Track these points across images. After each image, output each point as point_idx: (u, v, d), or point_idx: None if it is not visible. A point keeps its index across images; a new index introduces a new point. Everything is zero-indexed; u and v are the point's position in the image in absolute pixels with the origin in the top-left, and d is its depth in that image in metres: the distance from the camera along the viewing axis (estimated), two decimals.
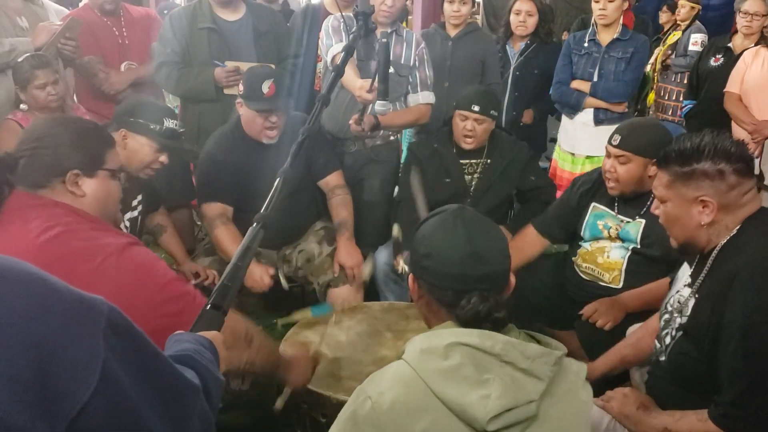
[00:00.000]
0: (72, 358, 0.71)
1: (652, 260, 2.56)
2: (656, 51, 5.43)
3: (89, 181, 1.73)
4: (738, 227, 1.72)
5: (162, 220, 3.00)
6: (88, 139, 1.77)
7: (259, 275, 2.76)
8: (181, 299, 1.66)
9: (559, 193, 3.88)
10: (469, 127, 3.11)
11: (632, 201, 2.62)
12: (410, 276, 1.45)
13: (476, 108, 3.08)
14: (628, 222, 2.62)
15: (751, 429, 1.63)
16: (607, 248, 2.67)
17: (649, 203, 2.52)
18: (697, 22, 5.46)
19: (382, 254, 3.25)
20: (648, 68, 5.18)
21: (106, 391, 0.73)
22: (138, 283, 1.61)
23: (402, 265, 2.98)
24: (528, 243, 2.91)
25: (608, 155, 2.59)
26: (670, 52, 5.48)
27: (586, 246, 2.74)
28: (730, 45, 4.55)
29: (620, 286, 2.62)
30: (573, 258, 2.80)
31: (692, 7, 5.51)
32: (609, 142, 2.60)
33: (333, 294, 2.94)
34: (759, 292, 1.61)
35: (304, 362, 2.07)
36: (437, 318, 1.39)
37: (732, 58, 4.43)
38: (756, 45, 4.31)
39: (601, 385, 2.02)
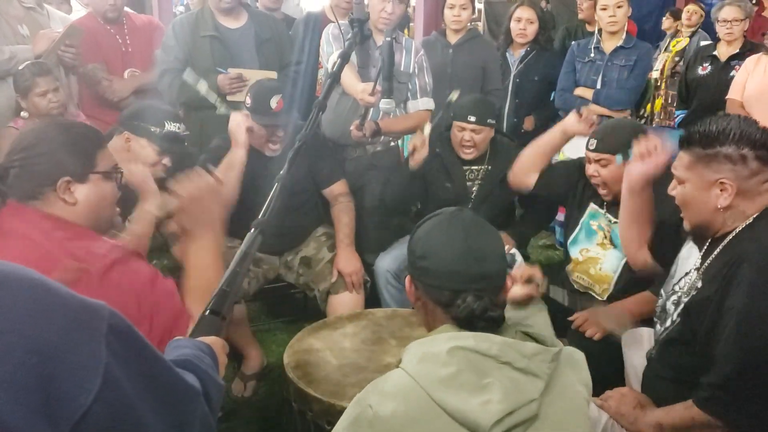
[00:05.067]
0: (74, 363, 0.71)
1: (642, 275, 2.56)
2: (662, 58, 5.42)
3: (81, 188, 1.68)
4: (756, 215, 1.72)
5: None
6: (76, 143, 1.72)
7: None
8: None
9: None
10: (467, 137, 3.11)
11: (618, 202, 2.63)
12: (407, 278, 1.45)
13: (472, 118, 3.08)
14: (616, 223, 2.62)
15: (733, 413, 1.63)
16: (600, 259, 2.68)
17: None
18: (701, 31, 5.47)
19: (384, 260, 3.24)
20: (655, 75, 5.18)
21: (109, 395, 0.73)
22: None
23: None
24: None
25: (589, 161, 2.62)
26: (677, 59, 5.48)
27: (578, 256, 2.73)
28: (715, 53, 4.57)
29: (605, 299, 2.64)
30: (566, 268, 2.81)
31: (700, 15, 5.52)
32: (587, 148, 2.63)
33: (333, 301, 2.94)
34: (762, 281, 1.61)
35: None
36: (434, 319, 1.39)
37: (719, 66, 4.47)
38: (741, 50, 4.35)
39: (599, 386, 2.04)
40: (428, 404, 1.22)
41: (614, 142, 2.55)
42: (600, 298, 2.65)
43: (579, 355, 1.41)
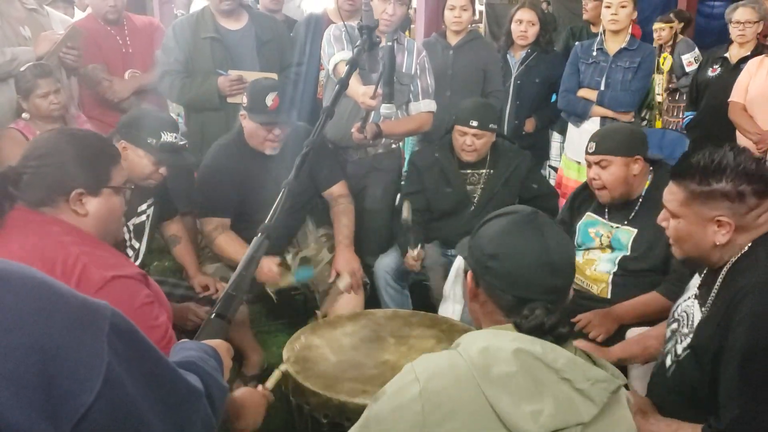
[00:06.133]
0: (76, 362, 0.72)
1: (638, 273, 2.58)
2: (657, 80, 5.34)
3: (93, 200, 1.69)
4: (749, 245, 1.67)
5: (177, 231, 2.98)
6: (93, 156, 1.73)
7: (268, 267, 2.78)
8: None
9: (562, 201, 3.90)
10: (469, 141, 3.11)
11: (620, 207, 2.65)
12: (469, 273, 1.38)
13: (474, 123, 3.08)
14: (618, 228, 2.64)
15: None
16: (596, 261, 2.68)
17: (636, 208, 2.60)
18: (684, 39, 5.41)
19: (383, 262, 3.24)
20: (658, 98, 5.16)
21: (110, 394, 0.74)
22: None
23: (413, 260, 2.99)
24: None
25: (589, 165, 2.64)
26: (669, 77, 5.46)
27: (578, 257, 2.74)
28: (726, 55, 4.57)
29: (609, 297, 2.63)
30: None
31: (671, 27, 5.45)
32: (586, 152, 2.64)
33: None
34: (763, 319, 1.56)
35: (255, 404, 1.74)
36: (491, 320, 1.33)
37: (729, 68, 4.46)
38: (753, 53, 4.33)
39: None
40: (478, 396, 1.18)
41: (612, 143, 2.58)
42: (603, 297, 2.65)
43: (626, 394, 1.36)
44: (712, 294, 1.73)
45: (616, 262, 2.62)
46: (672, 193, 1.75)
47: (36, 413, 0.68)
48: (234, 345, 2.91)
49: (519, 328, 1.25)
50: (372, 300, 3.15)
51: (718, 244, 1.67)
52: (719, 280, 1.71)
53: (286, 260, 3.20)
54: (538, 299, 1.25)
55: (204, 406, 0.95)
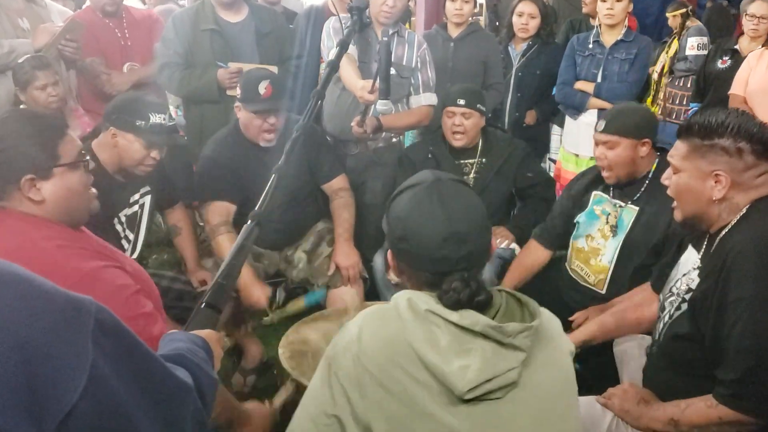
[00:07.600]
0: (60, 360, 0.71)
1: (635, 263, 2.57)
2: (661, 58, 5.33)
3: (46, 184, 1.59)
4: (747, 207, 1.73)
5: (178, 221, 2.94)
6: (35, 136, 1.61)
7: (257, 297, 2.70)
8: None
9: (559, 193, 3.88)
10: (457, 122, 3.10)
11: (627, 187, 2.64)
12: (389, 252, 1.41)
13: (461, 102, 3.08)
14: (622, 207, 2.62)
15: (759, 404, 1.62)
16: (601, 250, 2.67)
17: (642, 189, 2.58)
18: (698, 24, 5.39)
19: (381, 257, 3.22)
20: (655, 76, 5.13)
21: (95, 392, 0.73)
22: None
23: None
24: (532, 257, 2.93)
25: (597, 144, 2.62)
26: (672, 62, 5.43)
27: (583, 244, 2.73)
28: (736, 47, 4.53)
29: (603, 291, 2.64)
30: (568, 257, 2.81)
31: (678, 15, 5.42)
32: (595, 130, 2.63)
33: (332, 295, 2.93)
34: (765, 270, 1.61)
35: (263, 416, 1.82)
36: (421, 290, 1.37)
37: (739, 61, 4.40)
38: (765, 47, 4.29)
39: (599, 383, 2.03)
40: (410, 351, 1.22)
41: (622, 124, 2.55)
42: (598, 290, 2.65)
43: (555, 322, 1.39)
44: (709, 254, 1.79)
45: (616, 252, 2.61)
46: (676, 149, 1.83)
47: (18, 413, 0.67)
48: (233, 338, 2.90)
49: (442, 302, 1.27)
50: (372, 296, 3.14)
51: (714, 198, 1.74)
52: (716, 241, 1.77)
53: (287, 255, 3.19)
54: (453, 270, 1.28)
55: (194, 400, 0.94)
